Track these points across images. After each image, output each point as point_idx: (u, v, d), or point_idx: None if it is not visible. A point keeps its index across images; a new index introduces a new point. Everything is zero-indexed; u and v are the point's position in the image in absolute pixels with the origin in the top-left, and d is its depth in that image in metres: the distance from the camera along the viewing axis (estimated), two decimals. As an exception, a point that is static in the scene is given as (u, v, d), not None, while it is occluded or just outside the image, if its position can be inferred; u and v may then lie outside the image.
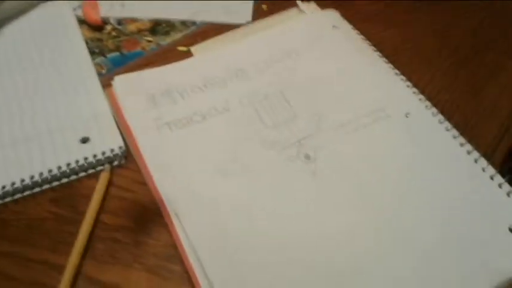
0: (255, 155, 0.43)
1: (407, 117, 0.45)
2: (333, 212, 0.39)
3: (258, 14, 0.58)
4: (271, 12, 0.58)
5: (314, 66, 0.49)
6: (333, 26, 0.53)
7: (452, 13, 0.59)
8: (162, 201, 0.40)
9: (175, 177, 0.41)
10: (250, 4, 0.59)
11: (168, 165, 0.42)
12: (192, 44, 0.55)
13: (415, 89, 0.48)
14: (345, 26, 0.53)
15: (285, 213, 0.39)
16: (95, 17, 0.57)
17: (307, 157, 0.42)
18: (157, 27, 0.57)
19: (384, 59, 0.50)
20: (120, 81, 0.48)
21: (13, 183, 0.41)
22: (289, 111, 0.46)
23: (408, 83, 0.48)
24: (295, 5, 0.58)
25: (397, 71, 0.49)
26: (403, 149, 0.43)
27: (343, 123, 0.44)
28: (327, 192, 0.40)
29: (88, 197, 0.41)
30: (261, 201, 0.40)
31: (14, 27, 0.55)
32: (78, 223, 0.40)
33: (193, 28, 0.57)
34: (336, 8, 0.56)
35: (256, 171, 0.42)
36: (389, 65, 0.50)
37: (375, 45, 0.52)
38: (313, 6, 0.57)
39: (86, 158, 0.43)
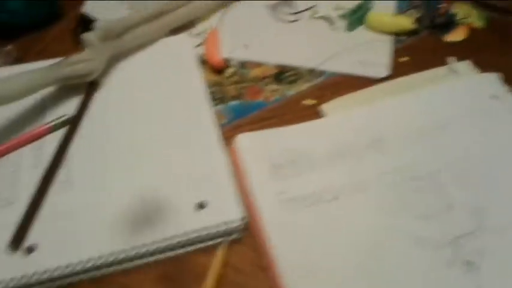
0: (400, 251, 0.36)
1: None
2: None
3: (398, 68, 0.51)
4: (413, 66, 0.51)
5: (472, 146, 0.41)
6: (492, 96, 0.44)
7: None
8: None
9: (301, 269, 0.35)
10: (389, 56, 0.52)
11: (294, 253, 0.36)
12: (320, 97, 0.49)
13: None
14: (506, 97, 0.45)
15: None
16: (218, 58, 0.52)
17: (469, 264, 0.34)
18: (283, 74, 0.52)
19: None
20: (244, 141, 0.43)
21: (123, 251, 0.37)
22: (443, 199, 0.38)
23: None
24: (444, 62, 0.50)
25: None
26: None
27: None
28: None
29: (200, 277, 0.37)
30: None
31: (132, 63, 0.53)
32: (187, 307, 0.35)
33: (322, 78, 0.51)
34: (494, 68, 0.48)
35: (403, 274, 0.34)
36: None
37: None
38: (468, 66, 0.48)
39: (203, 229, 0.38)
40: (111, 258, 0.37)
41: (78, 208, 0.40)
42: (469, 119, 0.43)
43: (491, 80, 0.46)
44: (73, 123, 0.45)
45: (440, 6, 0.56)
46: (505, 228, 0.36)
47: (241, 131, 0.45)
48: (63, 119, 0.46)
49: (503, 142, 0.42)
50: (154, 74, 0.52)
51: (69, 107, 0.47)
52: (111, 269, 0.37)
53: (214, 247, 0.38)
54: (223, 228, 0.38)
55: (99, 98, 0.49)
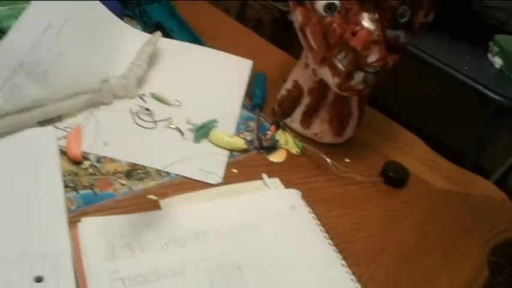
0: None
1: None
2: None
3: (229, 177, 0.63)
4: (241, 177, 0.63)
5: (270, 244, 0.53)
6: (291, 207, 0.58)
7: (403, 203, 0.66)
8: None
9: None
10: (223, 167, 0.65)
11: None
12: (163, 193, 0.59)
13: (357, 285, 0.52)
14: (302, 209, 0.59)
15: None
16: (76, 151, 0.60)
17: None
18: (133, 171, 0.61)
19: (334, 247, 0.55)
20: (86, 224, 0.51)
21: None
22: (242, 286, 0.49)
23: (352, 277, 0.52)
24: (261, 176, 0.64)
25: (343, 262, 0.54)
26: None
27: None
28: None
29: None
30: None
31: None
32: None
33: (167, 178, 0.62)
34: (300, 185, 0.62)
35: None
36: (338, 254, 0.55)
37: (328, 230, 0.57)
38: (277, 182, 0.63)
39: (35, 300, 0.44)
40: None
41: None
42: (273, 223, 0.56)
43: (293, 194, 0.60)
44: None
45: (268, 132, 0.72)
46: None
47: (88, 216, 0.53)
48: None
49: (294, 243, 0.54)
50: (17, 160, 0.58)
51: None
52: None
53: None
54: (55, 300, 0.44)
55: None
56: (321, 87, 0.67)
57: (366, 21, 0.57)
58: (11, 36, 0.64)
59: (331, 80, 0.61)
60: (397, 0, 0.57)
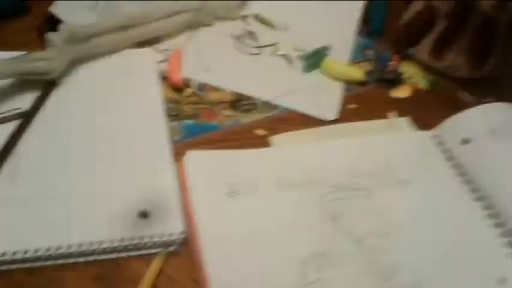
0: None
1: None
2: None
3: (345, 113, 0.55)
4: (359, 114, 0.55)
5: (393, 198, 0.44)
6: (425, 152, 0.49)
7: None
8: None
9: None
10: (338, 101, 0.56)
11: (227, 272, 0.38)
12: (271, 128, 0.52)
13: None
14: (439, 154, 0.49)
15: None
16: (178, 76, 0.54)
17: None
18: (238, 102, 0.55)
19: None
20: (193, 158, 0.45)
21: (58, 247, 0.37)
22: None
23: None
24: (386, 115, 0.54)
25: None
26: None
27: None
28: None
29: (134, 282, 0.37)
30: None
31: (94, 69, 0.54)
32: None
33: (275, 111, 0.54)
34: (431, 127, 0.53)
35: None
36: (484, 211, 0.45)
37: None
38: (405, 123, 0.53)
39: (142, 237, 0.39)
40: (47, 253, 0.37)
41: (19, 200, 0.40)
42: (415, 173, 0.47)
43: (427, 137, 0.51)
44: (26, 117, 0.45)
45: (389, 63, 0.61)
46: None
47: (193, 149, 0.47)
48: (16, 111, 0.45)
49: (430, 200, 0.45)
50: (115, 82, 0.53)
51: (23, 102, 0.47)
52: (48, 263, 0.37)
53: (152, 256, 0.39)
54: (161, 239, 0.39)
55: (55, 97, 0.49)
56: (463, 9, 0.55)
57: None
58: None
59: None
60: None
